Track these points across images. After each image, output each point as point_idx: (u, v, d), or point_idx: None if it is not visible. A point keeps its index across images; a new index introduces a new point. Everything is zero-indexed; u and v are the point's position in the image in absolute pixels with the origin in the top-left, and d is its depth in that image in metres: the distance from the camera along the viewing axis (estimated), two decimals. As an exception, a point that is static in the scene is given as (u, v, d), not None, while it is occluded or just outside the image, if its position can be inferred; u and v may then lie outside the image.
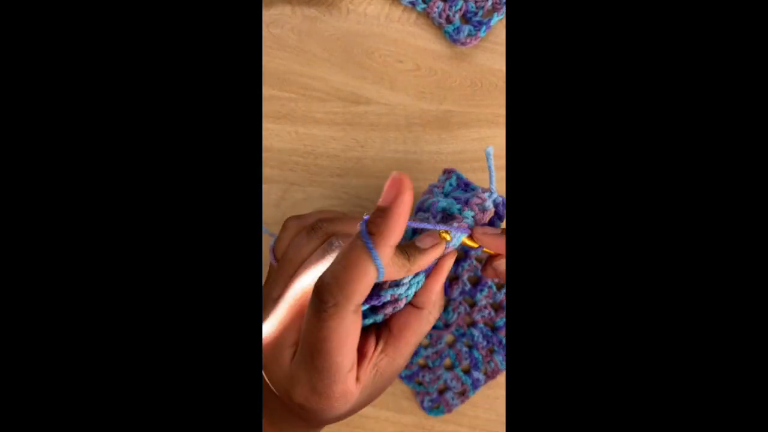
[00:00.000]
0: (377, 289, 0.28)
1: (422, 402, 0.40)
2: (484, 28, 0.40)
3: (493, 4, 0.40)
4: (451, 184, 0.36)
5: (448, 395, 0.40)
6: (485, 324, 0.40)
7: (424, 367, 0.40)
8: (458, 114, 0.41)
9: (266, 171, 0.41)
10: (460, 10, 0.40)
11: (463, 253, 0.40)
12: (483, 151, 0.40)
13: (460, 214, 0.29)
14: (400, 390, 0.41)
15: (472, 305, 0.40)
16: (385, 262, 0.25)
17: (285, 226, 0.32)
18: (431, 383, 0.40)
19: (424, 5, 0.40)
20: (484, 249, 0.30)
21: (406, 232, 0.29)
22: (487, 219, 0.30)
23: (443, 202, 0.30)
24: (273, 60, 0.41)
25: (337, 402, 0.27)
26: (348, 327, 0.26)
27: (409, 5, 0.41)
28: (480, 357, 0.40)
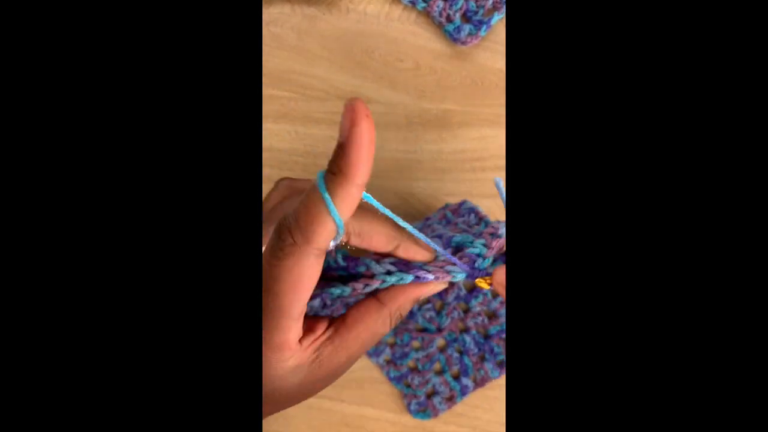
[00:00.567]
0: (356, 257, 0.27)
1: (409, 405, 0.40)
2: (484, 27, 0.40)
3: (493, 3, 0.40)
4: (467, 224, 0.35)
5: (436, 400, 0.40)
6: (478, 331, 0.40)
7: (413, 369, 0.40)
8: (458, 113, 0.41)
9: (266, 171, 0.41)
10: (461, 9, 0.40)
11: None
12: (483, 150, 0.41)
13: (471, 244, 0.28)
14: (401, 391, 0.41)
15: (466, 311, 0.40)
16: (354, 205, 0.23)
17: (277, 185, 0.31)
18: (420, 386, 0.40)
19: (424, 4, 0.40)
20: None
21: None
22: (498, 248, 0.28)
23: (459, 237, 0.29)
24: (272, 59, 0.41)
25: (273, 354, 0.25)
26: (303, 270, 0.24)
27: (410, 4, 0.41)
28: (470, 364, 0.40)
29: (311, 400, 0.40)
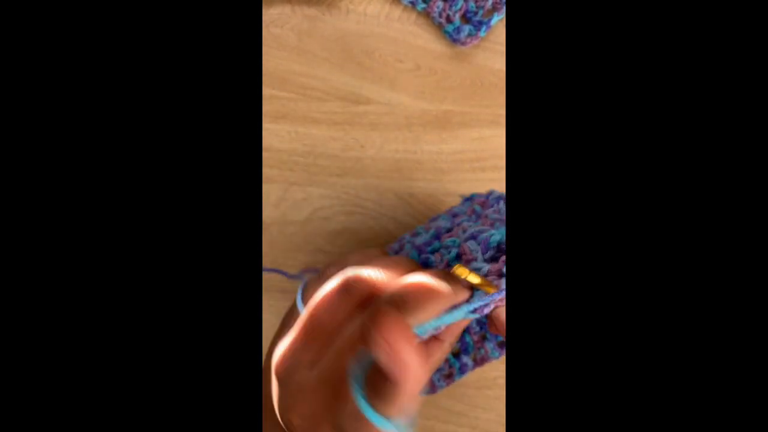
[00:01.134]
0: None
1: None
2: (484, 27, 0.40)
3: (493, 3, 0.40)
4: (499, 212, 0.33)
5: (435, 376, 0.39)
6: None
7: None
8: (458, 114, 0.41)
9: (266, 171, 0.41)
10: (461, 9, 0.40)
11: None
12: (483, 151, 0.41)
13: None
14: None
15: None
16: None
17: (324, 274, 0.29)
18: None
19: (424, 5, 0.40)
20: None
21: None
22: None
23: (497, 236, 0.28)
24: (272, 60, 0.41)
25: None
26: None
27: (409, 5, 0.41)
28: (471, 342, 0.39)
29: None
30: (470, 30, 0.40)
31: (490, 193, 0.36)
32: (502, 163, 0.40)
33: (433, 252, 0.31)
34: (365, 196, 0.41)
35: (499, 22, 0.40)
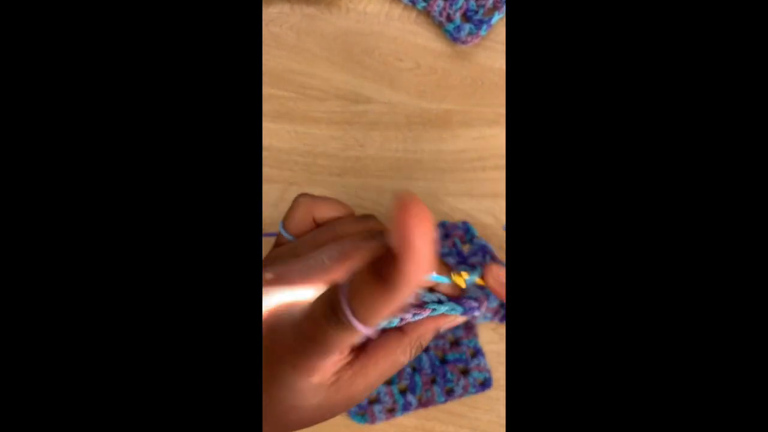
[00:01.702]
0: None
1: None
2: (484, 26, 0.40)
3: (493, 2, 0.40)
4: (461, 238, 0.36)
5: (376, 408, 0.39)
6: (436, 353, 0.40)
7: None
8: (459, 113, 0.41)
9: (265, 170, 0.41)
10: (461, 8, 0.40)
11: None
12: (483, 150, 0.40)
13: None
14: None
15: None
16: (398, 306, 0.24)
17: (298, 201, 0.31)
18: None
19: (424, 3, 0.40)
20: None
21: None
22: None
23: (473, 257, 0.30)
24: (272, 59, 0.41)
25: (301, 375, 0.26)
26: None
27: (410, 3, 0.40)
28: (420, 383, 0.39)
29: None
30: (471, 29, 0.40)
31: (466, 227, 0.36)
32: (503, 162, 0.40)
33: None
34: (365, 196, 0.41)
35: (499, 20, 0.40)
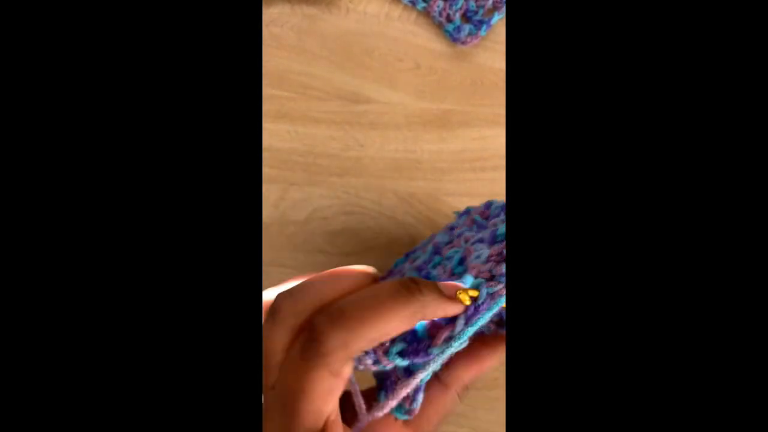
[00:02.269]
0: (417, 350, 0.24)
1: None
2: (484, 27, 0.40)
3: (493, 3, 0.40)
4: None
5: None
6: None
7: None
8: (458, 113, 0.41)
9: (265, 171, 0.41)
10: (461, 8, 0.40)
11: None
12: (483, 150, 0.41)
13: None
14: None
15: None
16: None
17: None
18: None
19: (424, 4, 0.40)
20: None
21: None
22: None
23: (502, 227, 0.26)
24: (272, 59, 0.41)
25: None
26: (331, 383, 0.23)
27: (409, 4, 0.41)
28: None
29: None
30: (470, 29, 0.40)
31: (490, 203, 0.33)
32: (503, 162, 0.40)
33: (434, 267, 0.28)
34: (365, 196, 0.41)
35: (499, 21, 0.40)
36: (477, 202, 0.40)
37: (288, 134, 0.41)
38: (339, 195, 0.41)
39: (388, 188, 0.41)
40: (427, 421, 0.25)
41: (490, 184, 0.40)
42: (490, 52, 0.41)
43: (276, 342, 0.24)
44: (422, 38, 0.41)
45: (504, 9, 0.40)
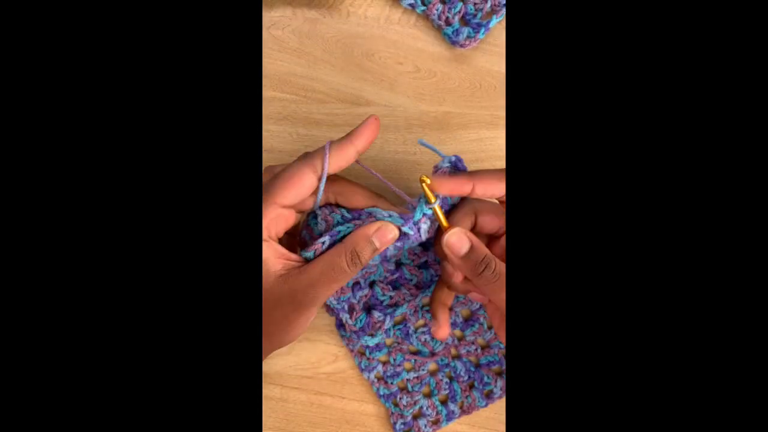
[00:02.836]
0: (360, 209, 0.33)
1: (395, 424, 0.40)
2: (483, 30, 0.40)
3: (491, 6, 0.41)
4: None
5: (422, 422, 0.40)
6: (470, 359, 0.40)
7: (403, 389, 0.40)
8: (457, 115, 0.41)
9: (267, 172, 0.41)
10: (459, 12, 0.41)
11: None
12: (481, 152, 0.41)
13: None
14: (389, 409, 0.41)
15: (461, 338, 0.40)
16: (346, 160, 0.32)
17: (265, 170, 0.35)
18: (407, 407, 0.40)
19: (423, 7, 0.41)
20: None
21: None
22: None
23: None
24: (274, 62, 0.42)
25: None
26: (299, 174, 0.31)
27: (409, 7, 0.41)
28: (459, 390, 0.40)
29: (312, 397, 0.40)
30: (469, 32, 0.40)
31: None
32: (501, 164, 0.41)
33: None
34: (365, 197, 0.41)
35: (497, 24, 0.41)
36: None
37: (289, 136, 0.41)
38: (340, 196, 0.41)
39: (388, 189, 0.41)
40: (315, 264, 0.31)
41: (489, 185, 0.41)
42: (489, 54, 0.41)
43: None
44: (422, 41, 0.41)
45: (502, 12, 0.40)
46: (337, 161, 0.32)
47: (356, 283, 0.38)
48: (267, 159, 0.41)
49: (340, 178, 0.34)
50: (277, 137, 0.41)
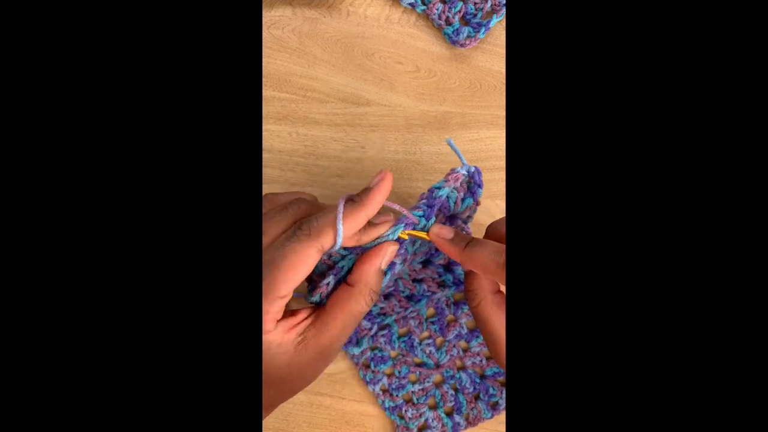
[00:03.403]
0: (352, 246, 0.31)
1: None
2: (483, 29, 0.40)
3: (492, 6, 0.41)
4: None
5: None
6: (475, 370, 0.40)
7: (408, 402, 0.40)
8: (457, 115, 0.41)
9: (267, 172, 0.41)
10: (460, 11, 0.41)
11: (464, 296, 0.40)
12: (481, 152, 0.41)
13: (436, 188, 0.31)
14: (394, 422, 0.41)
15: (466, 350, 0.40)
16: (357, 227, 0.29)
17: (264, 199, 0.33)
18: (413, 419, 0.40)
19: (423, 7, 0.41)
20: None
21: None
22: (455, 179, 0.32)
23: (434, 185, 0.32)
24: (274, 61, 0.42)
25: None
26: (303, 257, 0.28)
27: (409, 7, 0.41)
28: (465, 402, 0.40)
29: (312, 398, 0.40)
30: (469, 32, 0.40)
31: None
32: (501, 163, 0.41)
33: None
34: (365, 197, 0.41)
35: (497, 24, 0.41)
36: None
37: (289, 136, 0.41)
38: (339, 196, 0.41)
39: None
40: (333, 318, 0.30)
41: (489, 185, 0.41)
42: (489, 54, 0.41)
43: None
44: (422, 41, 0.41)
45: (502, 12, 0.40)
46: (346, 231, 0.29)
47: None
48: (267, 159, 0.41)
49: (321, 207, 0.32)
50: (277, 137, 0.41)
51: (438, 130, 0.41)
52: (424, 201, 0.31)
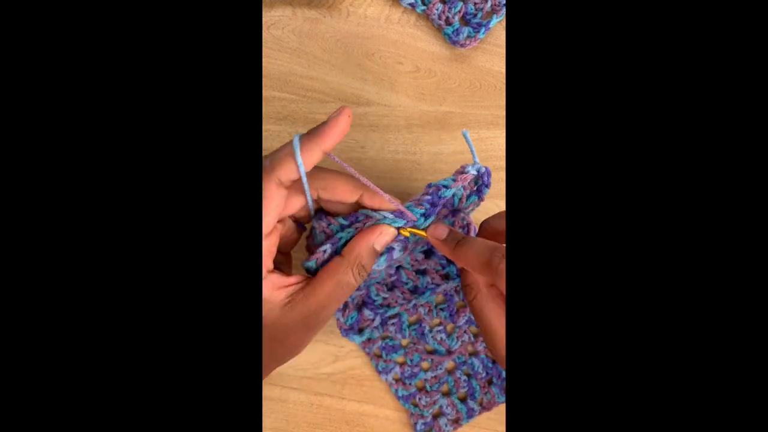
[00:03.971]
0: (355, 211, 0.32)
1: (416, 424, 0.40)
2: (483, 29, 0.40)
3: (492, 6, 0.41)
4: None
5: (442, 421, 0.40)
6: (486, 355, 0.40)
7: (421, 389, 0.40)
8: (457, 115, 0.41)
9: (267, 171, 0.41)
10: (460, 11, 0.41)
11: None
12: (481, 152, 0.41)
13: (443, 185, 0.32)
14: (408, 410, 0.41)
15: (477, 335, 0.41)
16: (314, 160, 0.30)
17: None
18: (427, 407, 0.40)
19: (423, 7, 0.41)
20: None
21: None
22: (463, 180, 0.32)
23: (438, 182, 0.32)
24: (274, 61, 0.42)
25: None
26: (264, 192, 0.29)
27: (409, 7, 0.41)
28: (478, 387, 0.40)
29: (312, 398, 0.40)
30: (469, 32, 0.40)
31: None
32: (501, 163, 0.41)
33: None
34: (365, 197, 0.41)
35: (497, 24, 0.41)
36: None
37: (289, 136, 0.41)
38: (340, 196, 0.41)
39: (388, 189, 0.41)
40: (320, 284, 0.31)
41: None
42: (489, 54, 0.41)
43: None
44: (422, 41, 0.41)
45: (502, 12, 0.40)
46: (305, 165, 0.30)
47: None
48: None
49: (319, 169, 0.32)
50: (277, 137, 0.41)
51: (438, 130, 0.41)
52: (428, 198, 0.31)
